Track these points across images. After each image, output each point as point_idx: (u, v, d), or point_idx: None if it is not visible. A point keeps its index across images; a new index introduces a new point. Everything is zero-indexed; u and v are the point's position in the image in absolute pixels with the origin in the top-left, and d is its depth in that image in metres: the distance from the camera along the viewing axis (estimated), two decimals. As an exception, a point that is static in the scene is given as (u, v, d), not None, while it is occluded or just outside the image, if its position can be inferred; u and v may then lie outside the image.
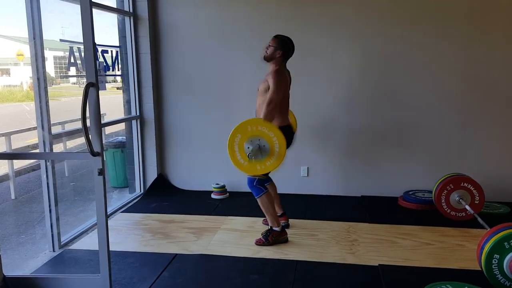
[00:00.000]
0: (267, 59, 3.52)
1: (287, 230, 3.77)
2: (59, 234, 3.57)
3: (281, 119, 3.56)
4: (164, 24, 4.95)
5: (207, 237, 3.76)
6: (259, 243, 3.58)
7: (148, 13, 4.84)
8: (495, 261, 2.73)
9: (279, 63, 3.50)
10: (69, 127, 6.83)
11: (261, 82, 3.57)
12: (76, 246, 3.64)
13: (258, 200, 3.56)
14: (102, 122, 4.36)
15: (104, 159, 2.70)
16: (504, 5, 4.34)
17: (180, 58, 4.98)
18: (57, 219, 3.56)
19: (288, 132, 3.59)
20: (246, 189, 4.97)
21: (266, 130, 3.30)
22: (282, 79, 3.47)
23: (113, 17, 4.99)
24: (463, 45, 4.47)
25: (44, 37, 3.37)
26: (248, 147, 3.31)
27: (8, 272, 2.98)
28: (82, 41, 2.53)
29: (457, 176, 4.12)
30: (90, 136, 2.53)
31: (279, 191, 3.99)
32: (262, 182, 3.54)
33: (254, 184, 3.52)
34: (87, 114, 2.52)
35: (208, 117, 5.02)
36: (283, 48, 3.47)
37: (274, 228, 3.60)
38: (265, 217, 4.07)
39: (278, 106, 3.49)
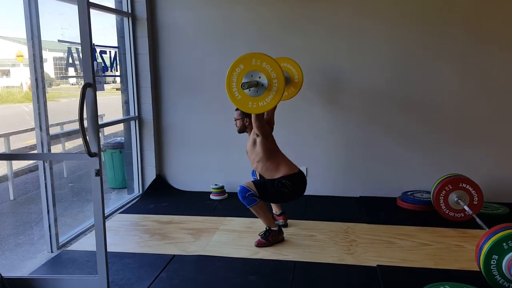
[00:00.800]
0: (242, 131, 3.75)
1: (285, 229, 3.77)
2: (57, 235, 3.57)
3: (287, 167, 3.57)
4: (163, 25, 4.95)
5: (206, 238, 3.75)
6: (260, 244, 3.57)
7: (147, 14, 4.84)
8: (493, 261, 2.73)
9: (251, 126, 3.59)
10: (67, 128, 6.83)
11: (247, 145, 3.70)
12: (74, 247, 3.64)
13: (250, 208, 3.51)
14: (101, 122, 4.36)
15: (103, 160, 2.70)
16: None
17: (178, 59, 4.98)
18: (55, 220, 3.55)
19: (300, 180, 3.58)
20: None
21: (269, 69, 3.14)
22: (262, 119, 3.50)
23: (111, 18, 4.99)
24: (461, 46, 4.47)
25: (44, 38, 3.37)
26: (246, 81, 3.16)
27: (6, 273, 2.97)
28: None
29: (456, 176, 4.12)
30: (87, 136, 2.53)
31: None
32: (255, 195, 3.47)
33: (247, 195, 3.45)
34: (85, 115, 2.51)
35: (207, 118, 5.02)
36: (246, 115, 3.61)
37: (272, 228, 3.60)
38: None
39: (275, 157, 3.57)
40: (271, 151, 3.59)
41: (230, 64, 3.17)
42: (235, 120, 3.74)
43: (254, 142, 3.59)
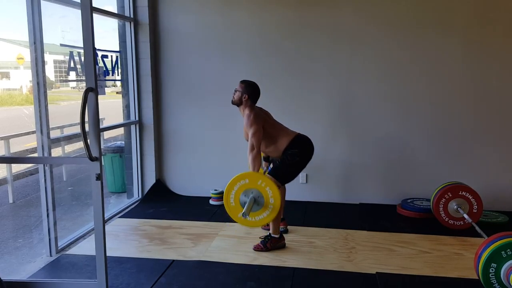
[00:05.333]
0: (235, 103, 3.69)
1: (285, 235, 3.77)
2: (56, 238, 3.56)
3: (286, 136, 3.58)
4: (165, 30, 4.97)
5: (205, 243, 3.75)
6: (257, 248, 3.58)
7: (149, 19, 4.86)
8: (492, 270, 2.73)
9: (247, 105, 3.60)
10: (68, 131, 6.83)
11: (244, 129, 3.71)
12: (73, 251, 3.63)
13: None
14: (101, 126, 4.36)
15: (103, 164, 2.70)
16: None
17: (180, 64, 4.99)
18: (55, 223, 3.55)
19: (303, 142, 3.60)
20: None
21: (263, 185, 3.32)
22: (255, 119, 3.52)
23: (113, 22, 5.01)
24: (462, 53, 4.49)
25: (45, 41, 3.38)
26: (244, 202, 3.35)
27: (5, 276, 2.97)
28: (82, 45, 2.54)
29: (456, 184, 4.12)
30: (88, 141, 2.54)
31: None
32: None
33: None
34: (86, 119, 2.52)
35: (207, 123, 5.03)
36: (248, 92, 3.59)
37: (273, 235, 3.60)
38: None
39: (272, 133, 3.58)
40: (268, 137, 3.58)
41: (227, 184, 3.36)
42: (235, 91, 3.65)
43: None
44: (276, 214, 3.36)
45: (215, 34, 4.87)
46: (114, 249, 3.61)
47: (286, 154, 3.52)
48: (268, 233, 3.64)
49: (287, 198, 4.76)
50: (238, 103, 3.66)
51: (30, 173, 6.76)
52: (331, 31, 4.65)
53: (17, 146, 6.98)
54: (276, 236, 3.60)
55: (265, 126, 3.56)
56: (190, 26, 4.91)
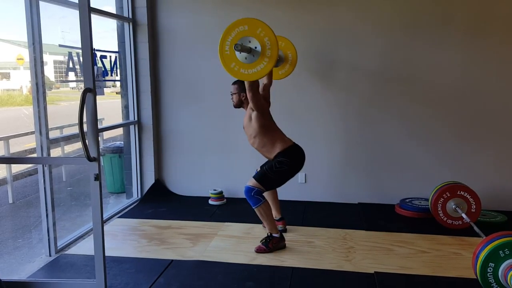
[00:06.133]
0: (238, 106, 3.75)
1: (284, 235, 3.77)
2: (55, 239, 3.57)
3: (283, 142, 3.60)
4: (163, 30, 4.97)
5: (204, 243, 3.76)
6: (259, 250, 3.57)
7: (147, 19, 4.86)
8: (490, 269, 2.74)
9: (248, 102, 3.59)
10: (67, 131, 6.84)
11: (244, 120, 3.71)
12: (72, 251, 3.64)
13: (255, 210, 3.55)
14: (100, 127, 4.37)
15: (102, 164, 2.71)
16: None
17: (178, 64, 5.00)
18: (54, 224, 3.55)
19: (296, 152, 3.61)
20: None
21: (263, 34, 3.10)
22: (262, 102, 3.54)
23: (112, 23, 5.01)
24: (459, 54, 4.50)
25: (44, 41, 3.39)
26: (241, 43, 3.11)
27: (4, 276, 2.98)
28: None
29: (454, 184, 4.13)
30: (87, 141, 2.55)
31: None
32: (260, 193, 3.52)
33: (252, 194, 3.50)
34: (84, 120, 2.53)
35: (206, 123, 5.04)
36: (244, 90, 3.59)
37: (273, 235, 3.60)
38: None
39: (271, 132, 3.60)
40: (267, 127, 3.60)
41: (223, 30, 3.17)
42: (231, 94, 3.74)
43: (250, 117, 3.61)
44: (272, 64, 3.09)
45: (214, 35, 4.85)
46: (113, 249, 3.62)
47: (275, 161, 3.54)
48: (268, 234, 3.64)
49: (286, 198, 4.79)
50: (240, 104, 3.72)
51: (29, 174, 6.77)
52: (329, 30, 4.66)
53: (17, 146, 6.99)
54: (277, 235, 3.60)
55: (266, 114, 3.59)
56: (188, 27, 4.92)
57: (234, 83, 3.71)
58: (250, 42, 3.11)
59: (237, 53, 3.12)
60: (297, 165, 3.60)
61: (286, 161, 3.52)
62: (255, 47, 3.10)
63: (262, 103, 3.55)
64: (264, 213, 3.55)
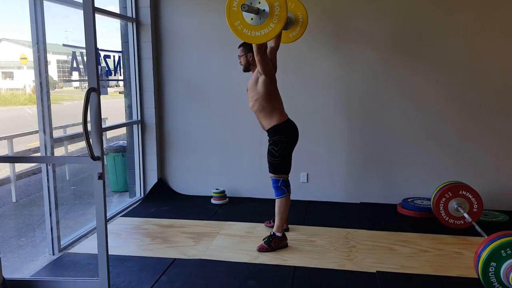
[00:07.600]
0: (247, 68, 3.71)
1: (286, 234, 3.78)
2: (59, 237, 3.59)
3: (280, 115, 3.61)
4: (167, 30, 4.99)
5: (206, 242, 3.77)
6: (261, 249, 3.58)
7: (151, 19, 4.88)
8: (492, 269, 2.74)
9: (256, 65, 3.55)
10: (70, 131, 6.87)
11: (249, 82, 3.66)
12: (75, 249, 3.66)
13: (278, 200, 3.60)
14: (104, 126, 4.39)
15: (105, 163, 2.73)
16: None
17: (181, 64, 5.01)
18: (57, 222, 3.58)
19: (291, 128, 3.63)
20: (246, 194, 5.00)
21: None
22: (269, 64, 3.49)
23: (116, 22, 5.03)
24: (462, 53, 4.50)
25: (48, 41, 3.41)
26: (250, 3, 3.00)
27: (8, 274, 3.00)
28: (84, 45, 2.56)
29: (456, 184, 4.13)
30: (90, 140, 2.56)
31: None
32: (287, 184, 3.59)
33: (279, 184, 3.56)
34: (88, 119, 2.55)
35: (209, 122, 5.05)
36: (251, 50, 3.54)
37: (276, 234, 3.62)
38: (267, 220, 4.10)
39: (273, 101, 3.57)
40: (271, 94, 3.58)
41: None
42: (239, 57, 3.69)
43: (257, 81, 3.55)
44: (280, 28, 3.01)
45: (217, 34, 4.89)
46: (116, 248, 3.64)
47: (271, 145, 3.56)
48: (271, 232, 3.65)
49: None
50: (248, 66, 3.67)
51: (33, 173, 6.79)
52: (333, 30, 4.66)
53: (20, 145, 7.02)
54: (279, 234, 3.61)
55: (273, 81, 3.57)
56: (192, 27, 4.93)
57: (239, 46, 3.65)
58: (259, 3, 3.00)
59: (244, 13, 3.02)
60: (293, 138, 3.64)
61: (283, 137, 3.55)
62: (264, 10, 3.00)
63: (270, 68, 3.49)
64: (284, 207, 3.60)
